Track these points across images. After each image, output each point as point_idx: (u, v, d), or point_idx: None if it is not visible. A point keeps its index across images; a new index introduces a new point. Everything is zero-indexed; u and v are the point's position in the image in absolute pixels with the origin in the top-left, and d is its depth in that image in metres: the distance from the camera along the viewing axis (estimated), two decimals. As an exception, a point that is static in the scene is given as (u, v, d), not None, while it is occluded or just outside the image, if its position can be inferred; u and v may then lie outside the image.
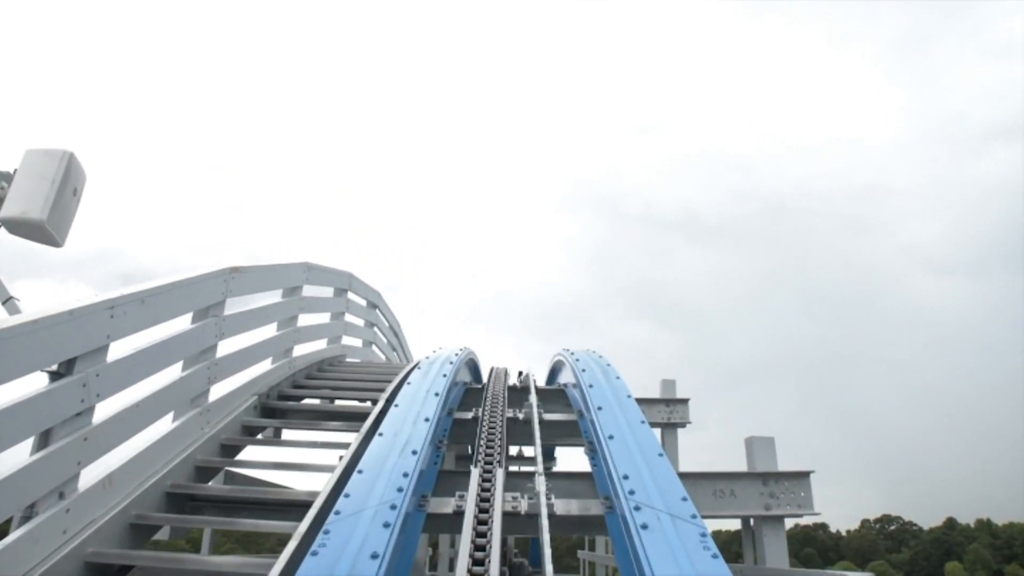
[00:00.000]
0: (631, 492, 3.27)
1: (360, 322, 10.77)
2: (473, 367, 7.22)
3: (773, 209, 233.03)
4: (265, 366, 6.66)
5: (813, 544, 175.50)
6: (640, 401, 4.91)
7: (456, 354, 6.25)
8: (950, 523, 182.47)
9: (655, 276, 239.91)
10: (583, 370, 5.63)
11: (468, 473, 3.80)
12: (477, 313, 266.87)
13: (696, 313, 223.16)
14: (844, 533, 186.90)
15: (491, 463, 3.96)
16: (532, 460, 5.15)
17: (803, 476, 5.31)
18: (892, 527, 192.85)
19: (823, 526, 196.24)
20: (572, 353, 6.39)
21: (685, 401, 7.07)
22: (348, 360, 9.58)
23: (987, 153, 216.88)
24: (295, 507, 4.06)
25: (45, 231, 4.61)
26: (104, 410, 3.76)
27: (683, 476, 3.78)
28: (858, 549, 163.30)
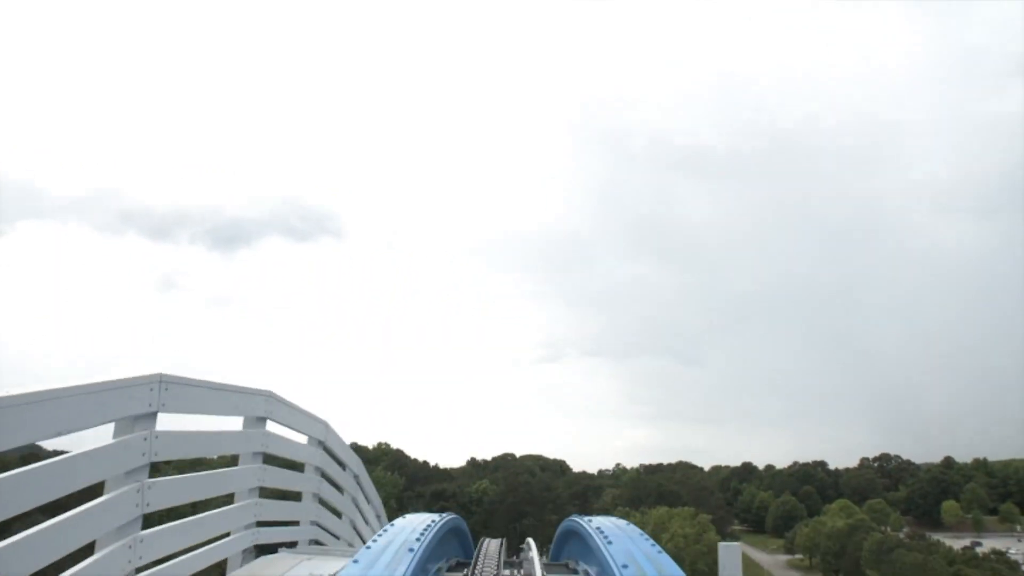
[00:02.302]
0: None
1: (340, 496, 9.20)
2: (460, 535, 6.16)
3: (781, 145, 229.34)
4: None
5: (812, 482, 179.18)
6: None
7: (417, 538, 4.50)
8: (948, 462, 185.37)
9: (658, 213, 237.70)
10: (610, 541, 4.53)
11: None
12: (477, 252, 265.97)
13: (699, 251, 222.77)
14: (843, 471, 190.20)
15: None
16: None
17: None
18: (890, 466, 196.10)
19: (822, 464, 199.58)
20: (591, 522, 5.29)
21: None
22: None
23: (1004, 91, 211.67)
24: None
25: None
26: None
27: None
28: (856, 487, 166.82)
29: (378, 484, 65.99)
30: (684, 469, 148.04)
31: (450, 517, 5.50)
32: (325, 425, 8.37)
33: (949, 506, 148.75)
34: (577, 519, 5.69)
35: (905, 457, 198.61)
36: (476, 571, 5.18)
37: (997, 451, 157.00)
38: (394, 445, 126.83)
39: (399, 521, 4.89)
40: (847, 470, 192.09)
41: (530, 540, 6.20)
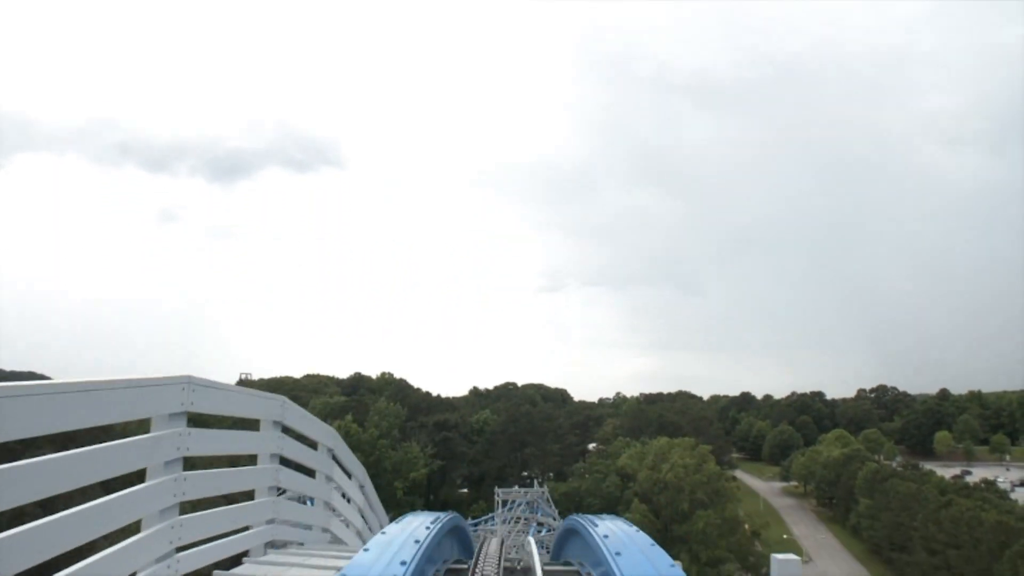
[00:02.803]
0: None
1: (346, 504, 9.40)
2: (462, 536, 6.09)
3: (787, 73, 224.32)
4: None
5: (809, 412, 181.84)
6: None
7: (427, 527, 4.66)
8: (943, 394, 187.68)
9: (662, 142, 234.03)
10: (617, 553, 4.41)
11: None
12: (478, 183, 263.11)
13: (702, 180, 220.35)
14: (839, 401, 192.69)
15: None
16: None
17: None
18: (886, 397, 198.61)
19: (819, 394, 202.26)
20: (593, 522, 5.19)
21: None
22: None
23: (1019, 21, 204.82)
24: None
25: None
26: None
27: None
28: (852, 418, 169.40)
29: (381, 415, 66.69)
30: (684, 399, 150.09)
31: (451, 516, 5.55)
32: (334, 434, 8.76)
33: (942, 436, 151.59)
34: (580, 520, 5.45)
35: (901, 389, 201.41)
36: (477, 569, 5.12)
37: (992, 383, 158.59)
38: (397, 375, 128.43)
39: (404, 518, 5.01)
40: (844, 401, 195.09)
41: (531, 539, 6.29)
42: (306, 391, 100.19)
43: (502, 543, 6.40)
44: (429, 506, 71.92)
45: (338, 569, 4.27)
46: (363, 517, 10.58)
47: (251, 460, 6.59)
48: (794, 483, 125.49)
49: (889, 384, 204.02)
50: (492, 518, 52.30)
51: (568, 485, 61.02)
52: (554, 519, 49.15)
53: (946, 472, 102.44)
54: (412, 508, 64.85)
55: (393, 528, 4.59)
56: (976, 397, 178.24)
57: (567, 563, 5.78)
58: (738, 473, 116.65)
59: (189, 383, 4.77)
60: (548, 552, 7.16)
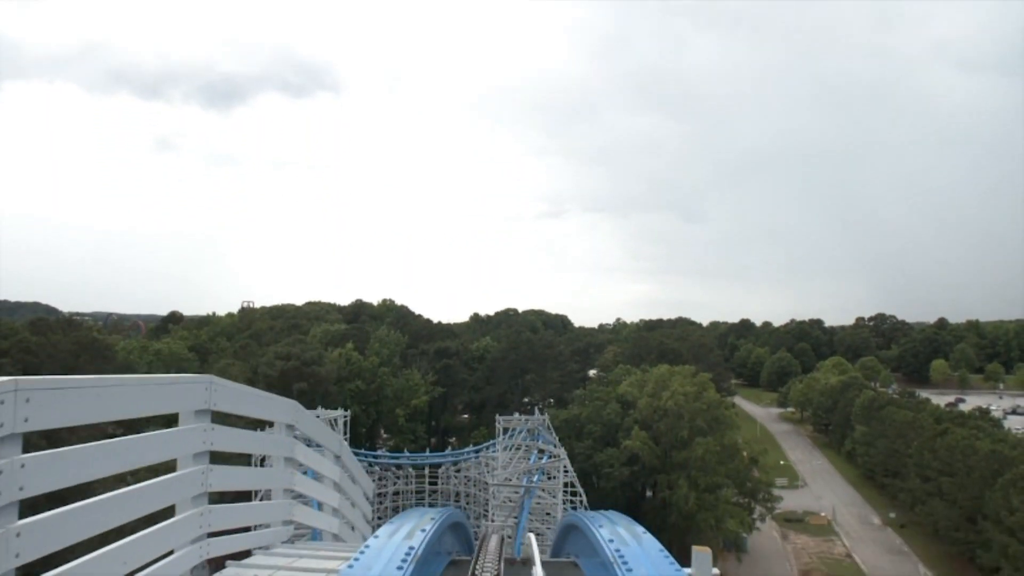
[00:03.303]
0: None
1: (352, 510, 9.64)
2: (461, 532, 6.28)
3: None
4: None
5: (807, 339, 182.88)
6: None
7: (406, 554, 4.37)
8: (941, 323, 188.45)
9: (665, 63, 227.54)
10: (619, 554, 4.36)
11: None
12: (477, 107, 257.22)
13: (705, 104, 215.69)
14: (838, 329, 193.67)
15: None
16: None
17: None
18: (885, 325, 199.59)
19: (818, 322, 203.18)
20: (594, 519, 5.19)
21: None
22: None
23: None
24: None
25: None
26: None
27: None
28: (850, 345, 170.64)
29: (381, 343, 66.51)
30: (683, 325, 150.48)
31: (451, 511, 5.64)
32: (341, 441, 9.11)
33: (938, 364, 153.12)
34: (582, 518, 5.40)
35: (900, 318, 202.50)
36: (478, 567, 5.15)
37: (991, 313, 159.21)
38: (398, 302, 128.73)
39: (406, 513, 5.23)
40: (842, 328, 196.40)
41: (531, 535, 6.02)
42: (308, 318, 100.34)
43: (502, 540, 6.38)
44: (430, 432, 72.92)
45: (345, 559, 4.48)
46: (368, 523, 10.84)
47: (241, 458, 6.83)
48: (791, 409, 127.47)
49: (888, 313, 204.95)
50: (493, 445, 52.86)
51: (569, 412, 61.43)
52: (555, 446, 49.63)
53: (940, 400, 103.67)
54: (414, 434, 65.78)
55: (388, 529, 4.62)
56: (974, 326, 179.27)
57: (569, 557, 5.69)
58: (736, 399, 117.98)
59: (211, 383, 5.18)
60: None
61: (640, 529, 4.92)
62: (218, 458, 5.40)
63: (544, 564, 5.15)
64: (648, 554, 4.35)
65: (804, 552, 61.12)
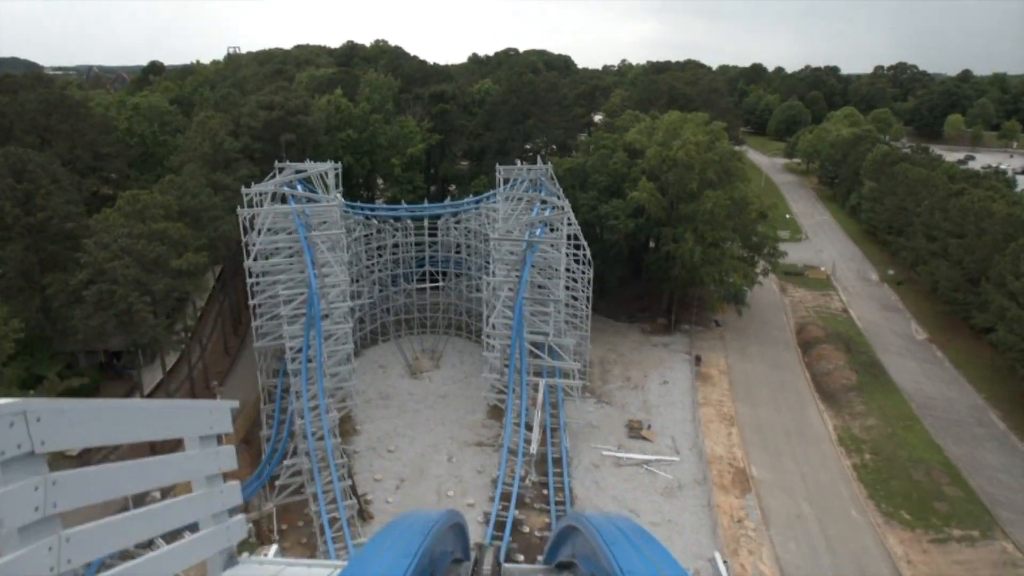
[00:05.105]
0: None
1: None
2: (459, 533, 6.23)
3: None
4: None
5: (821, 88, 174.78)
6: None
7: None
8: (964, 75, 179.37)
9: None
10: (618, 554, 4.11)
11: None
12: None
13: None
14: (854, 77, 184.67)
15: None
16: None
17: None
18: (904, 75, 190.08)
19: (834, 69, 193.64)
20: (591, 520, 4.96)
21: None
22: None
23: None
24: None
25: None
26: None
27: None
28: (865, 96, 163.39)
29: (372, 88, 61.42)
30: (693, 68, 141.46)
31: (451, 511, 5.70)
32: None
33: (953, 119, 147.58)
34: (582, 517, 5.17)
35: (922, 68, 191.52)
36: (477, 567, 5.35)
37: (1019, 66, 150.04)
38: (392, 43, 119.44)
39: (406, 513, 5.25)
40: (859, 77, 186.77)
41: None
42: (296, 63, 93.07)
43: (496, 550, 6.29)
44: (429, 180, 70.37)
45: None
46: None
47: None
48: (797, 160, 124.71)
49: (910, 62, 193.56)
50: (494, 195, 50.62)
51: (573, 161, 58.32)
52: (558, 198, 47.41)
53: (951, 157, 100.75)
54: (412, 184, 63.18)
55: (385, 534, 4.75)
56: (999, 79, 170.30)
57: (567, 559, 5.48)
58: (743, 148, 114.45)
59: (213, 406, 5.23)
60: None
61: (648, 534, 4.67)
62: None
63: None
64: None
65: (801, 306, 62.18)
